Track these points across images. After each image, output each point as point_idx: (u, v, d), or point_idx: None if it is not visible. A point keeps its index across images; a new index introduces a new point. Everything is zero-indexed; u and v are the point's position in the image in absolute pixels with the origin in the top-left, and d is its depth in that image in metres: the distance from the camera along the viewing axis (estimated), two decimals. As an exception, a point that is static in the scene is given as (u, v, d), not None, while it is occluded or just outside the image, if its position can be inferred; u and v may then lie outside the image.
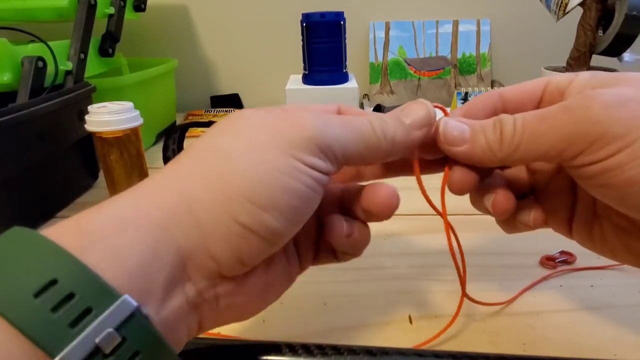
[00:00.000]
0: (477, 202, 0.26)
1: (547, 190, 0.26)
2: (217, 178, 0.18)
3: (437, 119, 0.23)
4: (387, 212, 0.23)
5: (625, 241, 0.23)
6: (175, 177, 0.19)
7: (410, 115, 0.23)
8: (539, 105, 0.24)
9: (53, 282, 0.15)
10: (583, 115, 0.19)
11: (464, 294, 0.27)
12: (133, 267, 0.16)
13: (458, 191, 0.24)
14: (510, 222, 0.26)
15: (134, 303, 0.15)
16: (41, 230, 0.17)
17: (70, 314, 0.14)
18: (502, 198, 0.24)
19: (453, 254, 0.26)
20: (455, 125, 0.23)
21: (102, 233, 0.16)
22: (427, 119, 0.23)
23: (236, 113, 0.21)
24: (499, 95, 0.25)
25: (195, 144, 0.20)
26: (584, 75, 0.22)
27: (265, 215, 0.18)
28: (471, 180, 0.23)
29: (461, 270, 0.26)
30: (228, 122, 0.21)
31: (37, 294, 0.14)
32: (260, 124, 0.20)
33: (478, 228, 0.42)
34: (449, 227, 0.25)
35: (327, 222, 0.23)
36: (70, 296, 0.15)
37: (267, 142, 0.19)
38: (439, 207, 0.25)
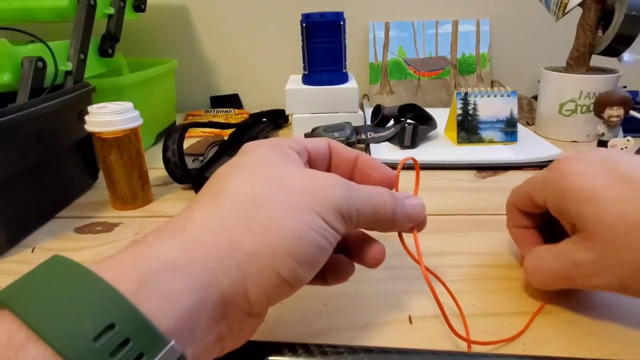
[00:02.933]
0: None
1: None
2: (263, 233, 0.20)
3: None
4: (375, 266, 0.28)
5: None
6: (222, 226, 0.20)
7: (415, 216, 0.27)
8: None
9: (111, 327, 0.16)
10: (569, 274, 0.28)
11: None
12: (182, 313, 0.18)
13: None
14: None
15: (179, 350, 0.17)
16: (97, 264, 0.18)
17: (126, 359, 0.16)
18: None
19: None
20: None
21: (157, 279, 0.18)
22: (423, 220, 0.28)
23: (262, 156, 0.24)
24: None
25: (232, 183, 0.22)
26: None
27: (300, 269, 0.21)
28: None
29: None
30: (259, 166, 0.23)
31: (96, 338, 0.15)
32: (294, 183, 0.22)
33: (480, 228, 0.42)
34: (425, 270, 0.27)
35: (338, 264, 0.27)
36: (125, 341, 0.16)
37: (304, 203, 0.22)
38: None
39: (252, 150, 0.25)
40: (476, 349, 0.27)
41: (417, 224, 0.28)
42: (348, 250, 0.28)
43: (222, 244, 0.20)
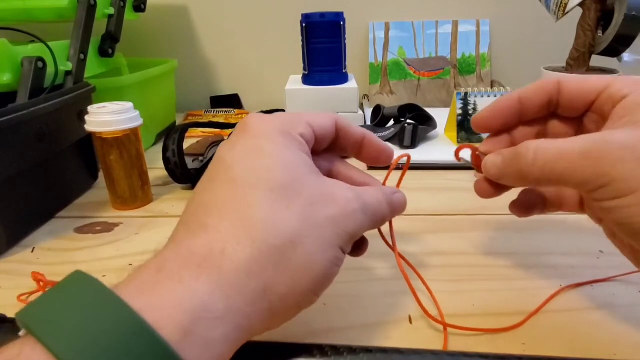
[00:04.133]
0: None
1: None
2: (295, 275, 0.21)
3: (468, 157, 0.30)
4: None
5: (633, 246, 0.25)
6: (259, 269, 0.20)
7: (398, 210, 0.28)
8: (592, 104, 0.26)
9: None
10: (597, 166, 0.21)
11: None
12: (217, 357, 0.18)
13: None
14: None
15: None
16: (135, 299, 0.17)
17: None
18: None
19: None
20: (492, 160, 0.27)
21: (199, 329, 0.18)
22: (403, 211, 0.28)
23: (282, 157, 0.23)
24: (557, 85, 0.27)
25: (260, 207, 0.21)
26: (636, 96, 0.23)
27: (317, 298, 0.23)
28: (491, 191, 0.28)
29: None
30: (282, 181, 0.22)
31: None
32: (322, 212, 0.22)
33: (480, 228, 0.42)
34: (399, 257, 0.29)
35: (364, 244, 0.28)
36: None
37: (331, 238, 0.22)
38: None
39: (265, 143, 0.23)
40: (452, 331, 0.27)
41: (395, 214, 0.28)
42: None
43: (258, 288, 0.20)
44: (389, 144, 0.30)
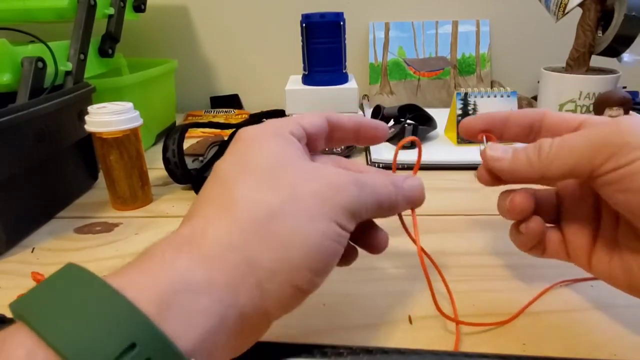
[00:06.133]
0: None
1: (573, 216, 0.28)
2: (281, 248, 0.20)
3: (482, 146, 0.28)
4: (378, 252, 0.28)
5: None
6: (240, 243, 0.20)
7: (414, 197, 0.27)
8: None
9: (132, 346, 0.16)
10: (611, 129, 0.22)
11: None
12: (203, 334, 0.18)
13: (518, 215, 0.27)
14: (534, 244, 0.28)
15: None
16: (116, 279, 0.18)
17: None
18: (520, 197, 0.27)
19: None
20: (500, 148, 0.27)
21: (179, 301, 0.18)
22: (422, 200, 0.27)
23: (267, 152, 0.23)
24: (542, 114, 0.28)
25: (241, 190, 0.21)
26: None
27: (317, 278, 0.21)
28: (529, 205, 0.27)
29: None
30: (266, 168, 0.22)
31: (117, 358, 0.15)
32: (307, 188, 0.22)
33: (480, 228, 0.42)
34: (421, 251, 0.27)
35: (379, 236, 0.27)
36: None
37: (319, 211, 0.21)
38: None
39: (253, 143, 0.24)
40: (464, 330, 0.27)
41: (414, 202, 0.27)
42: (352, 236, 0.27)
43: (240, 262, 0.20)
44: (381, 122, 0.30)
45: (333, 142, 0.29)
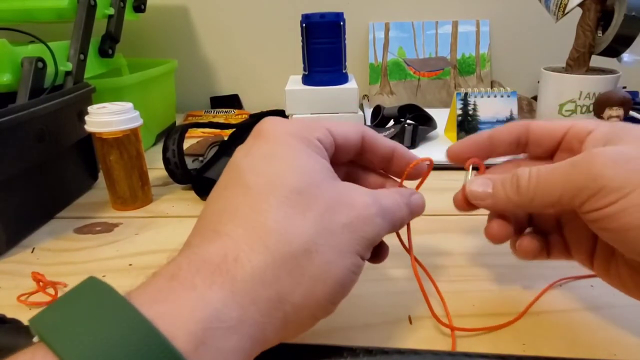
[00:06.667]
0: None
1: (574, 226, 0.28)
2: (310, 284, 0.20)
3: (469, 175, 0.28)
4: (379, 262, 0.28)
5: (637, 280, 0.25)
6: (274, 278, 0.20)
7: (417, 212, 0.27)
8: (559, 144, 0.27)
9: None
10: (586, 172, 0.22)
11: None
12: None
13: (495, 240, 0.27)
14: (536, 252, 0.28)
15: None
16: (148, 307, 0.17)
17: None
18: (498, 226, 0.27)
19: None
20: (481, 183, 0.27)
21: (212, 339, 0.17)
22: (420, 213, 0.27)
23: (298, 163, 0.22)
24: (526, 126, 0.28)
25: (274, 214, 0.21)
26: (601, 129, 0.25)
27: (334, 307, 0.22)
28: (508, 231, 0.27)
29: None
30: (298, 188, 0.21)
31: None
32: (339, 218, 0.22)
33: (480, 228, 0.42)
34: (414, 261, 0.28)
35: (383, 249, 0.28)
36: None
37: (348, 245, 0.22)
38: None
39: (281, 149, 0.23)
40: (459, 334, 0.27)
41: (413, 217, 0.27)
42: None
43: (272, 297, 0.19)
44: (417, 157, 0.28)
45: (361, 162, 0.28)
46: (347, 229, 0.22)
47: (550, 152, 0.28)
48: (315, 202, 0.21)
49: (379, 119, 0.67)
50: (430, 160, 0.28)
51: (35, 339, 0.16)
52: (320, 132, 0.25)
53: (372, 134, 0.27)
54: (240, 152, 0.24)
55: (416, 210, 0.27)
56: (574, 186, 0.22)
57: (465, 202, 0.28)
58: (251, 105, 0.93)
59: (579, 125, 0.26)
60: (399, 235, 0.28)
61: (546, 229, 0.29)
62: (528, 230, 0.30)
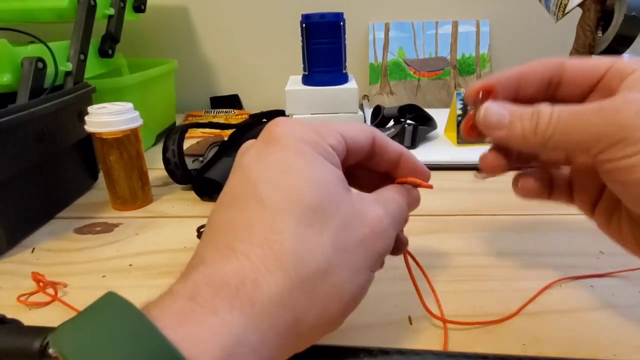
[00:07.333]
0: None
1: (584, 171, 0.27)
2: (325, 305, 0.20)
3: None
4: None
5: (638, 235, 0.24)
6: (290, 301, 0.20)
7: (414, 204, 0.27)
8: (597, 84, 0.25)
9: None
10: (612, 118, 0.20)
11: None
12: None
13: (490, 172, 0.27)
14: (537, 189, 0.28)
15: None
16: (171, 330, 0.17)
17: None
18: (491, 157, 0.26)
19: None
20: (495, 111, 0.24)
21: None
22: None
23: (312, 176, 0.22)
24: (561, 63, 0.25)
25: (290, 232, 0.20)
26: None
27: (344, 320, 0.22)
28: (502, 165, 0.26)
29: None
30: (313, 205, 0.21)
31: None
32: (354, 234, 0.22)
33: (480, 228, 0.42)
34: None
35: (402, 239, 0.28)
36: None
37: (363, 262, 0.22)
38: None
39: (294, 157, 0.22)
40: (465, 329, 0.27)
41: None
42: None
43: (289, 320, 0.20)
44: (423, 167, 0.28)
45: (368, 164, 0.28)
46: (362, 246, 0.22)
47: (584, 95, 0.25)
48: (332, 220, 0.21)
49: (379, 119, 0.67)
50: (432, 187, 0.28)
51: (51, 351, 0.16)
52: (334, 137, 0.24)
53: (383, 137, 0.27)
54: (249, 155, 0.23)
55: (414, 205, 0.27)
56: (595, 131, 0.21)
57: (472, 128, 0.25)
58: (251, 105, 0.93)
59: (621, 63, 0.24)
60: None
61: (553, 167, 0.28)
62: (532, 165, 0.28)
